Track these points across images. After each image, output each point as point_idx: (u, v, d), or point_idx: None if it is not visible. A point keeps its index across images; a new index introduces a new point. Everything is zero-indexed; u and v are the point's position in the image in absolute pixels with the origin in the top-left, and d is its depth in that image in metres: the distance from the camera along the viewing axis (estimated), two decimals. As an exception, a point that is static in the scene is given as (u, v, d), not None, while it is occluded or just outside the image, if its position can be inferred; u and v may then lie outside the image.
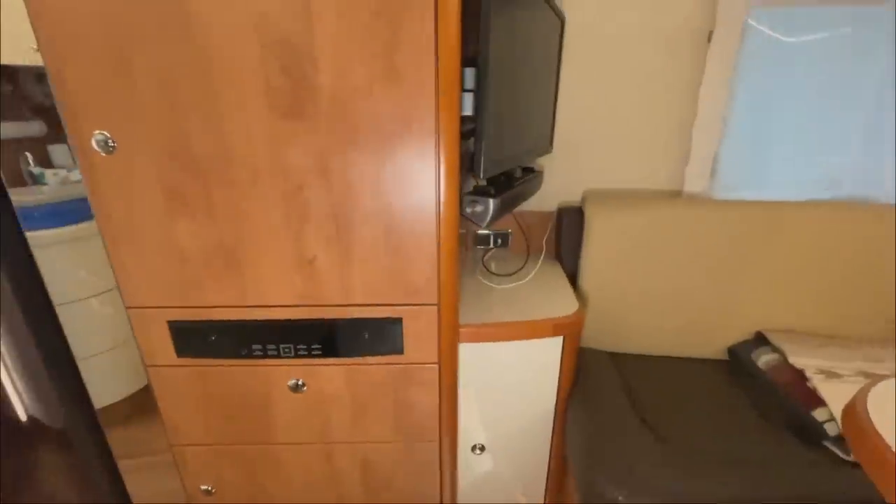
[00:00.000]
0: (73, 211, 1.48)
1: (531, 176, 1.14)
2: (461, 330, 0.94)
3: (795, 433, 0.96)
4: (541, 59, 1.05)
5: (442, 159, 0.75)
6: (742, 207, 1.16)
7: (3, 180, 0.77)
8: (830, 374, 1.00)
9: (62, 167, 1.72)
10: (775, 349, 1.11)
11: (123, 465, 1.40)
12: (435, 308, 0.85)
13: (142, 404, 1.66)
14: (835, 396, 0.93)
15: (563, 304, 1.07)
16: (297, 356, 0.87)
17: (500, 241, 1.38)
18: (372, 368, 0.89)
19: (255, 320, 0.84)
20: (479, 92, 0.75)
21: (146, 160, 0.73)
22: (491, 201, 0.88)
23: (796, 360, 1.04)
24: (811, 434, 0.93)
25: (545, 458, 1.16)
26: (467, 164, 0.83)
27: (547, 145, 1.25)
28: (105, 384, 1.58)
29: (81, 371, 1.50)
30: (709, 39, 1.15)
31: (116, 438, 1.50)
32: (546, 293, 1.13)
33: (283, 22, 0.66)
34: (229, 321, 0.84)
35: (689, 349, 1.24)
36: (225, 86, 0.69)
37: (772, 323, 1.19)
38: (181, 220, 0.77)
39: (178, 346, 0.86)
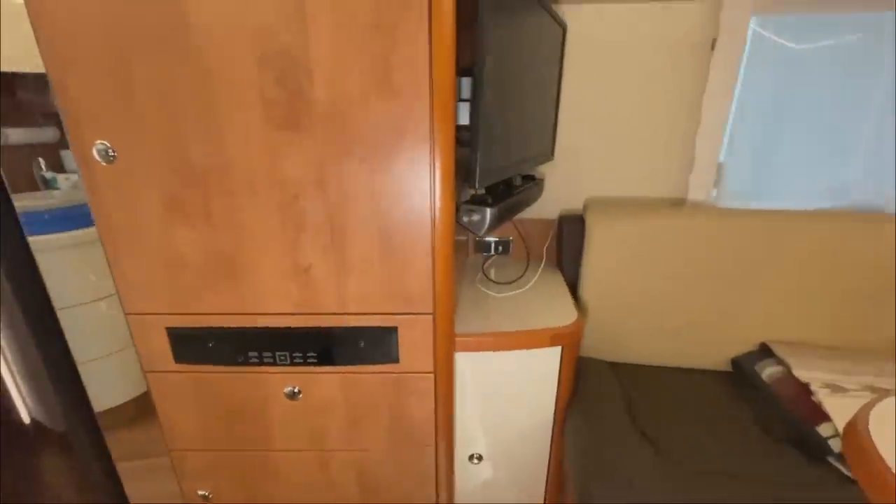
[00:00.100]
0: (83, 215, 1.50)
1: (531, 184, 1.14)
2: (457, 339, 0.94)
3: (799, 448, 0.94)
4: (541, 68, 1.05)
5: (437, 169, 0.75)
6: (747, 216, 1.15)
7: (7, 185, 0.78)
8: (836, 388, 0.97)
9: (74, 172, 1.75)
10: (780, 361, 1.09)
11: (128, 467, 1.42)
12: (430, 317, 0.85)
13: (149, 406, 1.69)
14: (840, 411, 0.91)
15: (562, 313, 1.06)
16: (292, 364, 0.87)
17: (500, 248, 1.37)
18: (367, 377, 0.89)
19: (252, 328, 0.85)
20: (475, 102, 0.75)
21: (146, 169, 0.74)
22: (488, 210, 0.88)
23: (801, 373, 1.02)
24: (815, 450, 0.91)
25: (544, 469, 1.15)
26: (465, 173, 0.83)
27: (548, 153, 1.25)
28: (115, 385, 1.60)
29: (91, 373, 1.53)
30: (712, 47, 1.14)
31: (122, 440, 1.53)
32: (545, 302, 1.12)
33: (279, 34, 0.67)
34: (226, 328, 0.85)
35: (691, 360, 1.22)
36: (223, 97, 0.70)
37: (776, 334, 1.16)
38: (180, 228, 0.78)
39: (177, 353, 0.87)
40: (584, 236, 1.22)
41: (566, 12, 1.17)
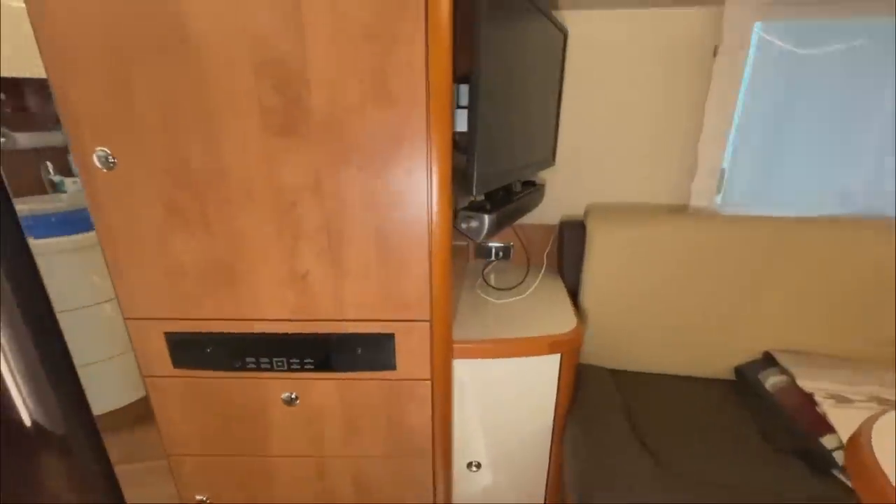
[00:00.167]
0: (89, 218, 1.52)
1: (531, 190, 1.13)
2: (455, 346, 0.93)
3: (803, 460, 0.92)
4: (541, 74, 1.05)
5: (434, 176, 0.75)
6: (750, 222, 1.13)
7: (8, 187, 0.79)
8: (841, 399, 0.96)
9: (80, 176, 1.77)
10: (783, 370, 1.07)
11: (131, 469, 1.43)
12: (427, 324, 0.84)
13: (152, 409, 1.70)
14: (845, 423, 0.89)
15: (561, 320, 1.05)
16: (290, 370, 0.87)
17: (501, 253, 1.37)
18: (364, 383, 0.89)
19: (250, 333, 0.85)
20: (472, 109, 0.75)
21: (145, 176, 0.75)
22: (486, 217, 0.88)
23: (805, 384, 1.01)
24: (819, 462, 0.90)
25: (543, 477, 1.14)
26: (463, 179, 0.83)
27: (549, 158, 1.25)
28: (120, 387, 1.62)
29: (97, 375, 1.54)
30: (714, 53, 1.13)
31: (125, 442, 1.54)
32: (545, 308, 1.12)
33: (277, 43, 0.67)
34: (224, 334, 0.85)
35: (693, 368, 1.21)
36: (221, 105, 0.70)
37: (780, 342, 1.15)
38: (178, 234, 0.78)
39: (175, 358, 0.87)
40: (585, 242, 1.21)
41: (567, 18, 1.17)
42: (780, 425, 1.00)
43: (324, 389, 0.90)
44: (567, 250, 1.28)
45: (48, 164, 1.73)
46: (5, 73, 1.37)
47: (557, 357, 1.00)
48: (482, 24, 0.69)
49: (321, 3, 0.65)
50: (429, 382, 0.89)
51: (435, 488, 1.01)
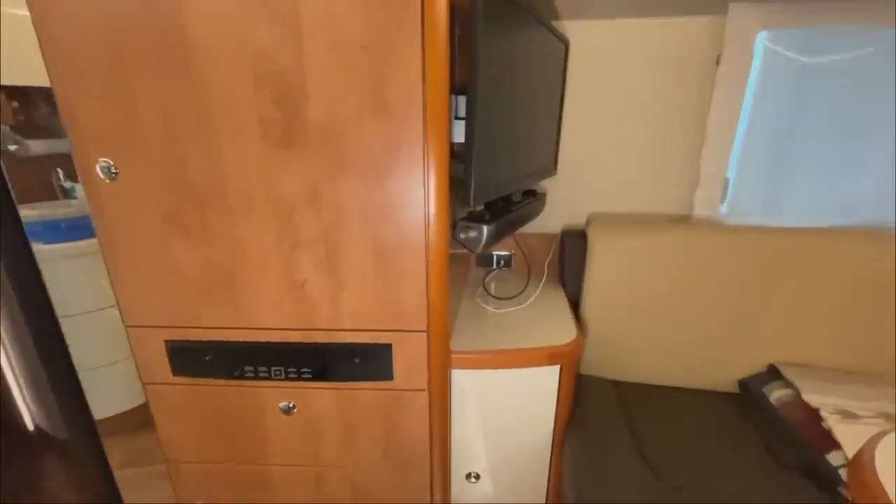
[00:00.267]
0: (97, 224, 1.55)
1: (531, 200, 1.13)
2: (453, 356, 0.93)
3: (808, 476, 0.90)
4: (542, 84, 1.05)
5: (431, 187, 0.75)
6: (755, 233, 1.12)
7: (13, 195, 0.81)
8: (848, 415, 0.93)
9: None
10: (788, 384, 1.05)
11: (133, 473, 1.44)
12: (424, 335, 0.84)
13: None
14: (851, 439, 0.87)
15: (561, 330, 1.04)
16: (287, 378, 0.88)
17: (502, 262, 1.36)
18: (362, 393, 0.89)
19: (248, 342, 0.86)
20: (469, 120, 0.75)
21: (146, 186, 0.76)
22: (485, 227, 0.88)
23: (811, 398, 0.99)
24: (825, 479, 0.88)
25: (543, 489, 1.12)
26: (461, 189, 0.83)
27: (551, 168, 1.24)
28: (126, 390, 1.63)
29: (104, 378, 1.56)
30: (717, 62, 1.13)
31: (128, 447, 1.55)
32: (545, 318, 1.11)
33: (276, 57, 0.68)
34: (223, 342, 0.86)
35: (696, 380, 1.19)
36: (221, 117, 0.72)
37: (785, 356, 1.13)
38: (179, 243, 0.79)
39: (174, 365, 0.88)
40: (587, 252, 1.21)
41: (568, 28, 1.17)
42: (784, 440, 0.98)
43: (321, 399, 0.90)
44: (568, 259, 1.27)
45: (58, 170, 1.76)
46: (14, 83, 1.40)
47: (557, 368, 1.00)
48: (479, 36, 0.69)
49: (320, 17, 0.66)
50: (426, 393, 0.89)
51: (433, 499, 1.00)
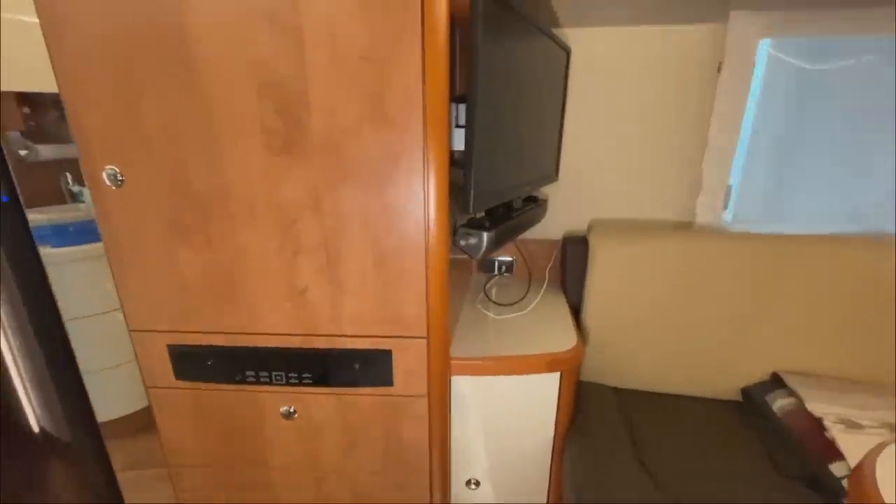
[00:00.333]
0: (104, 228, 1.57)
1: (532, 206, 1.13)
2: (453, 363, 0.93)
3: (811, 487, 0.89)
4: (543, 91, 1.05)
5: (430, 194, 0.76)
6: (758, 240, 1.11)
7: (22, 199, 0.82)
8: (851, 425, 0.93)
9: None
10: (792, 393, 1.04)
11: (136, 476, 1.45)
12: (424, 341, 0.85)
13: (157, 416, 1.73)
14: (855, 449, 0.87)
15: (561, 337, 1.04)
16: (288, 384, 0.88)
17: (504, 268, 1.37)
18: (362, 399, 0.90)
19: (249, 347, 0.86)
20: (469, 128, 0.76)
21: (151, 193, 0.77)
22: (485, 234, 0.88)
23: (814, 407, 0.98)
24: (827, 490, 0.87)
25: (543, 497, 1.12)
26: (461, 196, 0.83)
27: (552, 174, 1.25)
28: (131, 392, 1.64)
29: (109, 380, 1.57)
30: (719, 69, 1.13)
31: (131, 449, 1.56)
32: (546, 325, 1.11)
33: (278, 67, 0.69)
34: (225, 347, 0.87)
35: (698, 388, 1.18)
36: (224, 126, 0.73)
37: (789, 364, 1.12)
38: (182, 249, 0.80)
39: (177, 369, 0.89)
40: (588, 258, 1.21)
41: (570, 36, 1.18)
42: (787, 450, 0.97)
43: (322, 404, 0.90)
44: (570, 266, 1.27)
45: (67, 174, 1.79)
46: (24, 89, 1.43)
47: (557, 375, 0.99)
48: (479, 46, 0.70)
49: (320, 28, 0.67)
50: (426, 399, 0.89)
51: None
